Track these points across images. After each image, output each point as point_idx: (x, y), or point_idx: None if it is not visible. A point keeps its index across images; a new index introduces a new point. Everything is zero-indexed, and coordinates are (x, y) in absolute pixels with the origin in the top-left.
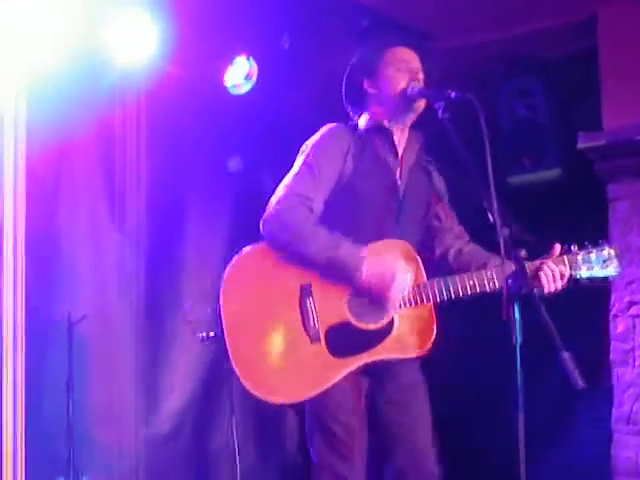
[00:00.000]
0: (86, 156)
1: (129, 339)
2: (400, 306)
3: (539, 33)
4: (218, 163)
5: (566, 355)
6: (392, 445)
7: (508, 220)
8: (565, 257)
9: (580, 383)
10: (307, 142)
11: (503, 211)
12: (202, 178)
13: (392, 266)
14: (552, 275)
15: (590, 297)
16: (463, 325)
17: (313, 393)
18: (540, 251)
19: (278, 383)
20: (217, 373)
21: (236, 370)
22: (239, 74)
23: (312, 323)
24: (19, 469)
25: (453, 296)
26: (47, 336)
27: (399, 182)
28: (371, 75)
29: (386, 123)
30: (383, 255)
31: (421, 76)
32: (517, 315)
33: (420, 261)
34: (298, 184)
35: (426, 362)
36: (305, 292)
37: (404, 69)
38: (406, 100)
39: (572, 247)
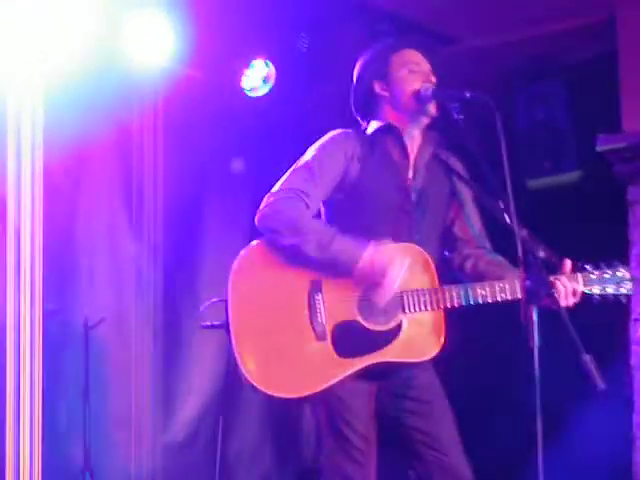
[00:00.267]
0: (104, 160)
1: (146, 344)
2: (410, 310)
3: (557, 35)
4: (236, 167)
5: (587, 357)
6: (418, 452)
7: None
8: (579, 275)
9: (601, 385)
10: (309, 148)
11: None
12: (220, 182)
13: (388, 256)
14: (565, 291)
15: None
16: (481, 326)
17: (315, 390)
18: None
19: (280, 377)
20: (234, 378)
21: (238, 360)
22: (257, 77)
23: (319, 319)
24: (35, 474)
25: (464, 303)
26: (64, 340)
27: (411, 183)
28: (383, 77)
29: (397, 124)
30: (384, 248)
31: (434, 78)
32: (535, 317)
33: (433, 266)
34: (295, 180)
35: (443, 363)
36: (315, 288)
37: (417, 70)
38: (420, 101)
39: (586, 266)
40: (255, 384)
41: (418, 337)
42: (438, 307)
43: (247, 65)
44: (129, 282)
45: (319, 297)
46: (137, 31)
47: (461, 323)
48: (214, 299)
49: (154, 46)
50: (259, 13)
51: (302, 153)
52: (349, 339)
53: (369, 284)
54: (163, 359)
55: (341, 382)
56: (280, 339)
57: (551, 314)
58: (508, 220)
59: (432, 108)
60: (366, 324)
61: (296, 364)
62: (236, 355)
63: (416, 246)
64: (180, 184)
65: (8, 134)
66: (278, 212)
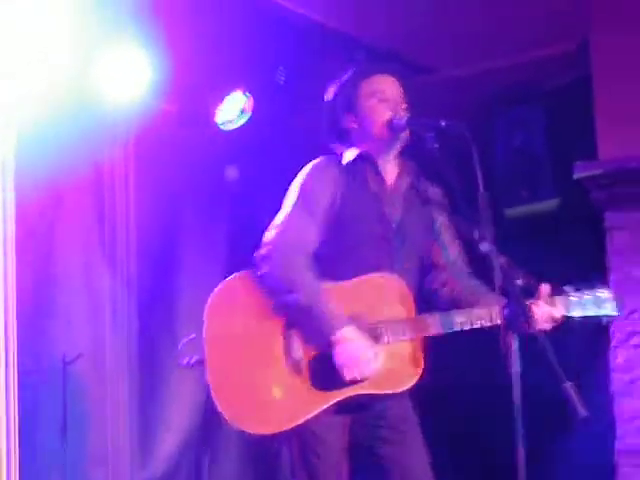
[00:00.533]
0: (78, 197)
1: (123, 380)
2: (387, 340)
3: (534, 62)
4: (212, 199)
5: (568, 385)
6: None
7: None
8: (558, 298)
9: (583, 412)
10: (295, 180)
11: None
12: (194, 216)
13: (362, 352)
14: (541, 316)
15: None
16: (460, 355)
17: (293, 424)
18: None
19: (257, 413)
20: (213, 414)
21: (214, 398)
22: (234, 108)
23: (295, 354)
24: None
25: (442, 332)
26: (41, 377)
27: (390, 212)
28: (351, 109)
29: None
30: (358, 339)
31: (403, 105)
32: (515, 345)
33: (411, 296)
34: (291, 225)
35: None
36: (290, 322)
37: (386, 98)
38: (393, 131)
39: (565, 289)
40: (232, 422)
41: (395, 368)
42: (414, 336)
43: (221, 99)
44: (105, 318)
45: (294, 332)
46: (111, 65)
47: (442, 352)
48: (191, 336)
49: (129, 80)
50: (235, 46)
51: (278, 186)
52: (325, 372)
53: (338, 363)
54: (140, 395)
55: (316, 416)
56: (256, 375)
57: (531, 342)
58: (484, 249)
59: (404, 136)
60: None
61: (273, 400)
62: (212, 393)
63: (394, 276)
64: (154, 219)
65: None
66: (275, 263)
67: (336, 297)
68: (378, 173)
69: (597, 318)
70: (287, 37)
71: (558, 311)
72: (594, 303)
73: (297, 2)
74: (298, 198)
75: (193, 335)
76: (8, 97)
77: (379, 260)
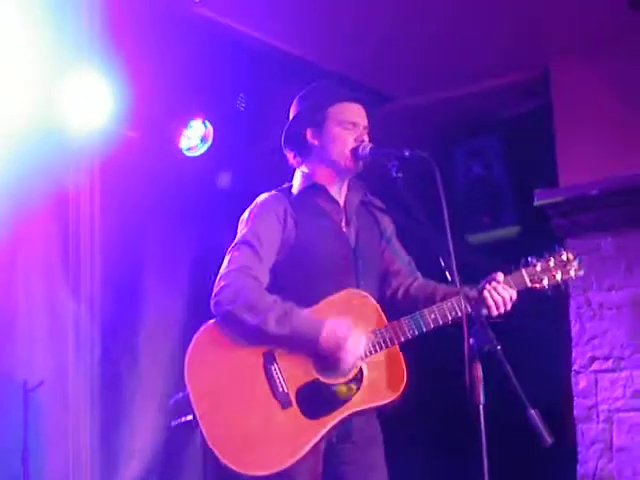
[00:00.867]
0: (41, 222)
1: (86, 406)
2: (366, 354)
3: (495, 91)
4: (176, 226)
5: (533, 412)
6: None
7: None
8: (523, 271)
9: (548, 440)
10: (243, 216)
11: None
12: (157, 241)
13: (346, 330)
14: (499, 301)
15: (551, 352)
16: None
17: (293, 460)
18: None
19: (258, 456)
20: (178, 436)
21: (215, 451)
22: (195, 136)
23: (281, 389)
24: None
25: (417, 333)
26: (2, 403)
27: (346, 231)
28: (317, 126)
29: (321, 179)
30: (339, 319)
31: (367, 137)
32: (481, 376)
33: (379, 307)
34: (239, 259)
35: (390, 422)
36: (268, 359)
37: (351, 127)
38: (356, 160)
39: (529, 259)
40: (240, 471)
41: (381, 379)
42: (392, 344)
43: (185, 125)
44: (68, 344)
45: (275, 367)
46: (73, 93)
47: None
48: (179, 395)
49: (91, 107)
50: (196, 73)
51: (241, 211)
52: (314, 400)
53: (333, 354)
54: (103, 421)
55: None
56: (249, 419)
57: (495, 372)
58: (450, 277)
59: (360, 166)
60: (327, 381)
61: (271, 439)
62: (212, 448)
63: (360, 291)
64: (118, 244)
65: None
66: (233, 297)
67: None
68: (329, 197)
69: (565, 282)
70: (248, 64)
71: (513, 292)
72: (559, 266)
73: (258, 30)
74: (245, 240)
75: (180, 394)
76: None
77: (343, 279)
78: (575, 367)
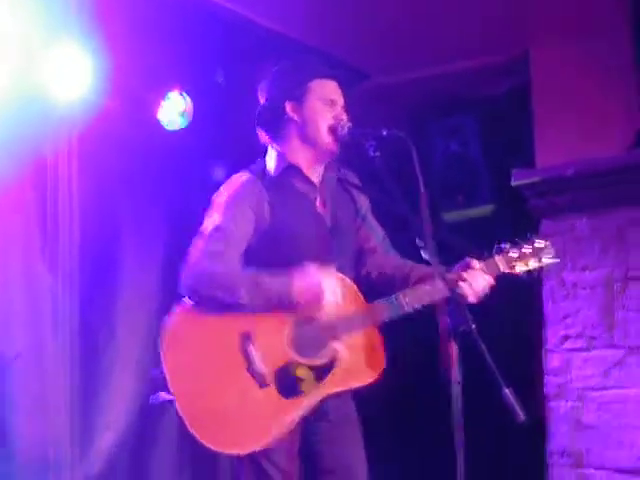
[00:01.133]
0: (18, 193)
1: (63, 378)
2: (343, 335)
3: (473, 71)
4: (153, 198)
5: (507, 391)
6: None
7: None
8: (496, 258)
9: (521, 417)
10: (215, 196)
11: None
12: (137, 213)
13: (317, 278)
14: (478, 289)
15: (523, 331)
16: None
17: (269, 439)
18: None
19: (235, 435)
20: (153, 410)
21: (191, 429)
22: (174, 110)
23: (258, 369)
24: None
25: (393, 315)
26: None
27: (322, 211)
28: (297, 100)
29: (297, 159)
30: (305, 271)
31: (345, 116)
32: (456, 354)
33: (356, 288)
34: (209, 244)
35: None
36: (244, 339)
37: (330, 104)
38: (335, 139)
39: (503, 245)
40: (216, 449)
41: (358, 362)
42: (369, 326)
43: (163, 97)
44: (45, 315)
45: (251, 347)
46: (52, 63)
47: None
48: (155, 371)
49: (70, 78)
50: (175, 45)
51: (219, 184)
52: (291, 380)
53: (309, 305)
54: (80, 393)
55: None
56: (225, 398)
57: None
58: (426, 257)
59: (337, 146)
60: (303, 361)
61: (247, 418)
62: (188, 426)
63: (336, 272)
64: (96, 215)
65: None
66: (201, 278)
67: None
68: (305, 178)
69: (540, 269)
70: (227, 38)
71: (487, 279)
72: (534, 254)
73: (238, 3)
74: (216, 226)
75: (157, 371)
76: None
77: (320, 261)
78: (548, 346)
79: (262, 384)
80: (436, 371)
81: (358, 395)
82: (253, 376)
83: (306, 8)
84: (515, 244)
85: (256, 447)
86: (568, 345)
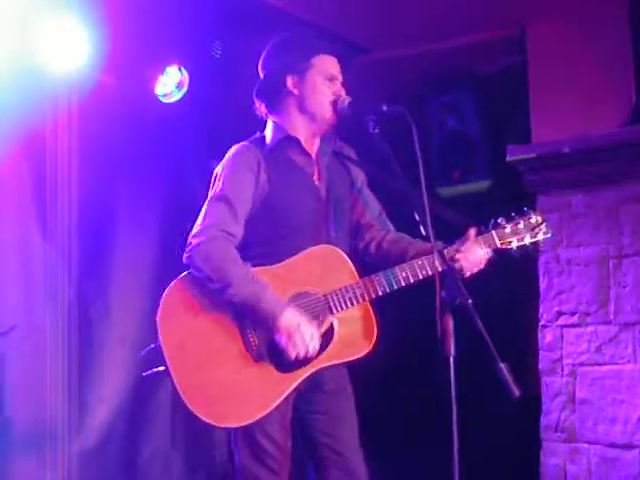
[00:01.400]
0: (16, 166)
1: (58, 351)
2: (337, 309)
3: (469, 47)
4: (149, 172)
5: (502, 365)
6: (322, 456)
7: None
8: (493, 232)
9: (516, 392)
10: (217, 169)
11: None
12: (133, 188)
13: (299, 329)
14: (476, 261)
15: (518, 307)
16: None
17: (264, 412)
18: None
19: (229, 408)
20: (147, 384)
21: (186, 402)
22: (170, 83)
23: (253, 342)
24: None
25: (388, 290)
26: None
27: (318, 184)
28: (298, 74)
29: (294, 131)
30: (298, 313)
31: (344, 92)
32: (452, 328)
33: (350, 262)
34: (213, 216)
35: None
36: (240, 312)
37: (331, 79)
38: (334, 113)
39: (499, 220)
40: (211, 422)
41: (352, 334)
42: (364, 300)
43: (161, 71)
44: (41, 288)
45: (247, 321)
46: (49, 37)
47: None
48: (151, 345)
49: (66, 52)
50: (172, 18)
51: (215, 159)
52: (286, 354)
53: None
54: (74, 366)
55: None
56: (221, 372)
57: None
58: (424, 232)
59: (336, 119)
60: None
61: (242, 391)
62: (183, 399)
63: (330, 246)
64: (93, 189)
65: None
66: (205, 257)
67: (279, 277)
68: (302, 150)
69: (534, 245)
70: (224, 11)
71: (485, 251)
72: (528, 229)
73: None
74: (220, 196)
75: (152, 345)
76: None
77: (315, 234)
78: (542, 321)
79: (257, 358)
80: (432, 345)
81: (354, 367)
82: (248, 350)
83: None
84: (511, 219)
85: (250, 420)
86: (562, 321)
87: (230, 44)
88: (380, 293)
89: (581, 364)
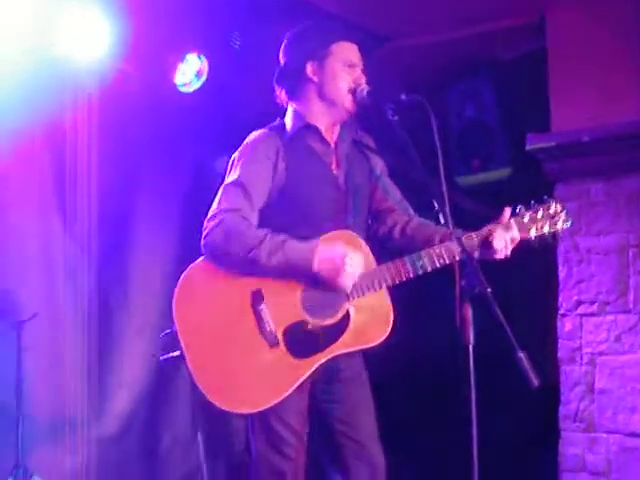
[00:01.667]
0: (36, 157)
1: (78, 338)
2: (354, 296)
3: (489, 35)
4: (169, 162)
5: (521, 355)
6: (339, 444)
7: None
8: (512, 220)
9: (535, 382)
10: (235, 154)
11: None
12: (153, 178)
13: (341, 251)
14: (504, 243)
15: (537, 295)
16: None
17: (279, 398)
18: (487, 220)
19: (244, 394)
20: (166, 372)
21: (200, 387)
22: (190, 72)
23: (268, 328)
24: None
25: (413, 275)
26: None
27: (336, 173)
28: (317, 61)
29: (314, 118)
30: (332, 243)
31: (364, 79)
32: (471, 317)
33: (368, 248)
34: (230, 200)
35: (374, 363)
36: (256, 298)
37: (350, 67)
38: (354, 101)
39: (518, 209)
40: (226, 408)
41: (368, 322)
42: (380, 287)
43: (181, 60)
44: (61, 276)
45: (263, 306)
46: (70, 26)
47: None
48: (167, 331)
49: (87, 41)
50: (192, 8)
51: (235, 148)
52: (301, 340)
53: (328, 284)
54: (94, 352)
55: None
56: (236, 357)
57: (485, 313)
58: (443, 220)
59: (355, 107)
60: (314, 321)
61: (257, 377)
62: (198, 384)
63: (348, 231)
64: (113, 179)
65: None
66: (224, 234)
67: None
68: (322, 138)
69: (553, 235)
70: (243, 2)
71: (515, 234)
72: (548, 218)
73: None
74: (237, 181)
75: (168, 330)
76: None
77: (333, 222)
78: (561, 310)
79: (272, 343)
80: (451, 333)
81: (371, 355)
82: (263, 335)
83: None
84: (530, 208)
85: (265, 406)
86: (582, 310)
87: (250, 33)
88: (405, 278)
89: (600, 353)
